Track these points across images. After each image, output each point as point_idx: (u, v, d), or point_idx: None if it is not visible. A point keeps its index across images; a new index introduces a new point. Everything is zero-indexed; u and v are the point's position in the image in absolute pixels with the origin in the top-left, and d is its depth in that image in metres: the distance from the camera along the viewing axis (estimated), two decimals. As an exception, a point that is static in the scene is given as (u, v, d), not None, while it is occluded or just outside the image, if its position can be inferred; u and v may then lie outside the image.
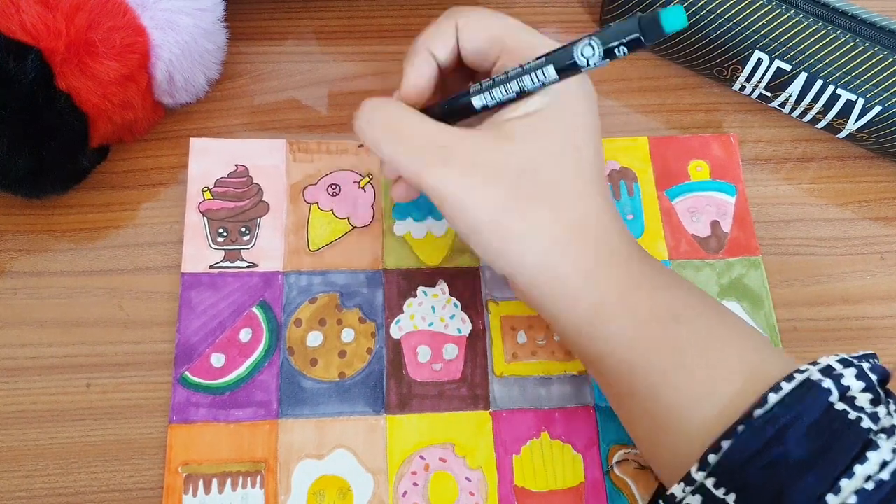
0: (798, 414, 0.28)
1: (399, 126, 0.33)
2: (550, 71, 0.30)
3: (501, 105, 0.33)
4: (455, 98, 0.34)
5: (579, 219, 0.32)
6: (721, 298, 0.41)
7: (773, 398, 0.28)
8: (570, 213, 0.32)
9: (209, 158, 0.42)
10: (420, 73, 0.35)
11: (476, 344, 0.40)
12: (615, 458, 0.38)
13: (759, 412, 0.28)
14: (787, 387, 0.29)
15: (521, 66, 0.31)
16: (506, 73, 0.32)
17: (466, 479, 0.37)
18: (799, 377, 0.29)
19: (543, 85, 0.31)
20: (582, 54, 0.29)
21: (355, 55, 0.46)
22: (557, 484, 0.37)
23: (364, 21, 0.47)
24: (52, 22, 0.35)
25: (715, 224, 0.43)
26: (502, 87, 0.32)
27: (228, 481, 0.36)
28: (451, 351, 0.39)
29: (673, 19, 0.26)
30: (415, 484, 0.37)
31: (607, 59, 0.29)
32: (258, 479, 0.36)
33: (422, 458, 0.37)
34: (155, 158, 0.42)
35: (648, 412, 0.32)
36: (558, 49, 0.30)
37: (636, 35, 0.27)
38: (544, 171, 0.32)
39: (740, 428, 0.28)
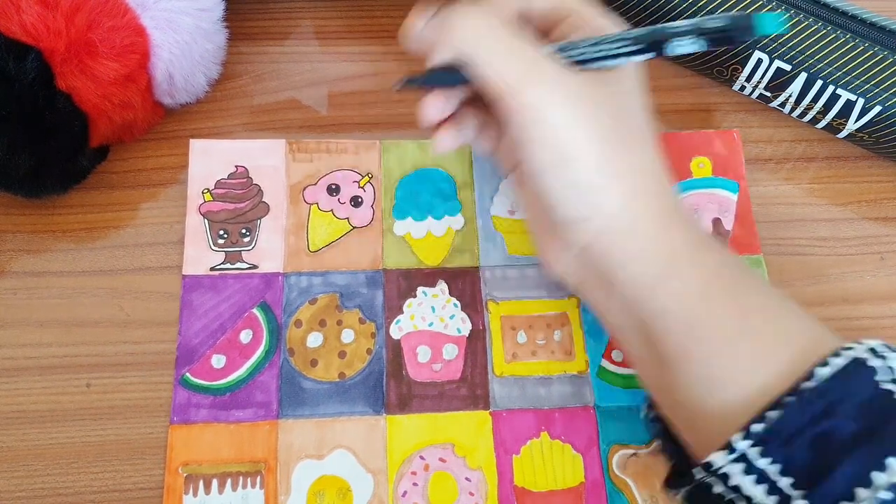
0: (848, 391, 0.28)
1: (509, 32, 0.31)
2: (642, 51, 0.31)
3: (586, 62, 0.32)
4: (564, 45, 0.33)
5: (659, 172, 0.33)
6: (721, 298, 0.41)
7: (822, 372, 0.28)
8: (653, 164, 0.33)
9: (209, 160, 0.42)
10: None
11: (476, 344, 0.40)
12: (615, 459, 0.38)
13: (807, 385, 0.28)
14: (836, 362, 0.28)
15: (616, 36, 0.32)
16: (601, 38, 0.32)
17: (466, 479, 0.37)
18: (846, 354, 0.29)
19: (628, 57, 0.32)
20: (677, 46, 0.30)
21: (355, 55, 0.46)
22: (557, 484, 0.37)
23: (364, 21, 0.47)
24: (52, 22, 0.35)
25: (716, 222, 0.43)
26: (598, 47, 0.32)
27: (228, 481, 0.36)
28: (451, 351, 0.39)
29: (767, 24, 0.27)
30: (415, 484, 0.37)
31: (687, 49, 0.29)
32: (258, 479, 0.36)
33: (422, 458, 0.37)
34: (155, 158, 0.42)
35: (701, 374, 0.31)
36: (651, 31, 0.31)
37: (729, 32, 0.28)
38: (635, 118, 0.33)
39: (789, 399, 0.28)
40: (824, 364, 0.29)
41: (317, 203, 0.42)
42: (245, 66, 0.45)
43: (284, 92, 0.45)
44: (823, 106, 0.43)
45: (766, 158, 0.45)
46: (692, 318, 0.31)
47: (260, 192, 0.42)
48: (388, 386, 0.38)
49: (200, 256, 0.40)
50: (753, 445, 0.29)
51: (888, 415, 0.28)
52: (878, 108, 0.41)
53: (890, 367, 0.29)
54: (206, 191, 0.41)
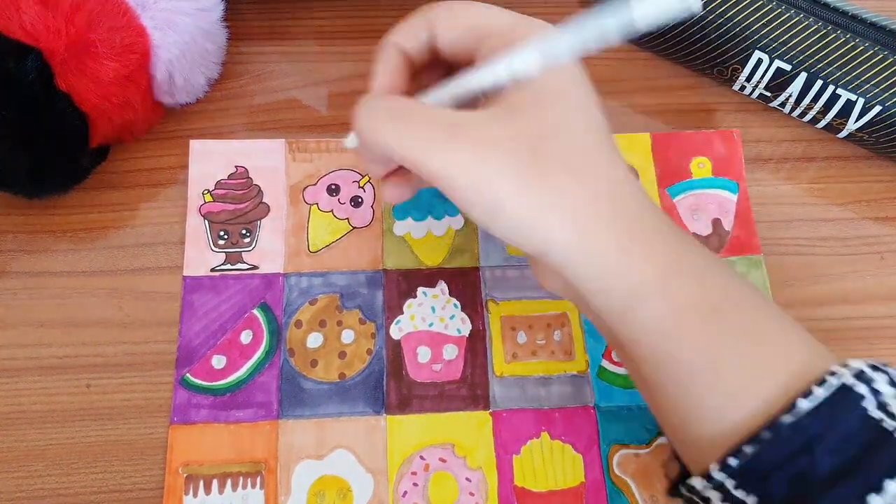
0: (830, 424, 0.27)
1: (402, 109, 0.31)
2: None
3: (496, 87, 0.31)
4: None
5: (607, 188, 0.30)
6: (721, 298, 0.41)
7: (804, 405, 0.27)
8: (595, 181, 0.30)
9: (209, 160, 0.42)
10: (390, 68, 0.33)
11: (476, 344, 0.40)
12: (616, 459, 0.38)
13: (787, 419, 0.27)
14: (819, 393, 0.27)
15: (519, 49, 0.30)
16: (494, 59, 0.31)
17: (466, 479, 0.37)
18: (833, 382, 0.28)
19: (523, 72, 0.30)
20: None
21: (355, 55, 0.46)
22: (557, 484, 0.37)
23: (364, 21, 0.47)
24: (51, 22, 0.35)
25: (716, 222, 0.43)
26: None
27: (229, 482, 0.36)
28: (451, 351, 0.39)
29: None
30: (415, 484, 0.37)
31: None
32: (258, 479, 0.36)
33: (422, 458, 0.37)
34: (155, 158, 0.42)
35: (676, 405, 0.31)
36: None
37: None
38: (561, 139, 0.30)
39: (766, 434, 0.27)
40: (807, 394, 0.28)
41: (317, 203, 0.42)
42: (245, 66, 0.45)
43: (284, 92, 0.45)
44: (823, 106, 0.43)
45: (767, 158, 0.45)
46: (659, 352, 0.30)
47: (260, 192, 0.42)
48: (389, 386, 0.38)
49: (201, 257, 0.40)
50: (729, 477, 0.28)
51: (871, 446, 0.27)
52: (878, 108, 0.41)
53: (876, 391, 0.28)
54: (206, 192, 0.41)
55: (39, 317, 0.39)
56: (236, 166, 0.42)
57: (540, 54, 0.29)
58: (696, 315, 0.29)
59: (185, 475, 0.36)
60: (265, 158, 0.42)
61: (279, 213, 0.41)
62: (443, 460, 0.37)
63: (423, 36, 0.33)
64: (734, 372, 0.29)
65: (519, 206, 0.29)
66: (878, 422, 0.27)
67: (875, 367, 0.29)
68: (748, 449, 0.28)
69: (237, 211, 0.41)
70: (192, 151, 0.42)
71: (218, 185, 0.41)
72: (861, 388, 0.27)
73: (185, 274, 0.40)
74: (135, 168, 0.42)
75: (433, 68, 0.35)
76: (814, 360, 0.29)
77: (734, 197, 0.43)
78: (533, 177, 0.29)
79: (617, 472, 0.37)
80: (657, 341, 0.30)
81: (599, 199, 0.29)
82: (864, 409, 0.27)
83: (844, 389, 0.27)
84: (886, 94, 0.41)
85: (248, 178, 0.42)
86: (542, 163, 0.29)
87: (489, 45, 0.31)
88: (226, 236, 0.40)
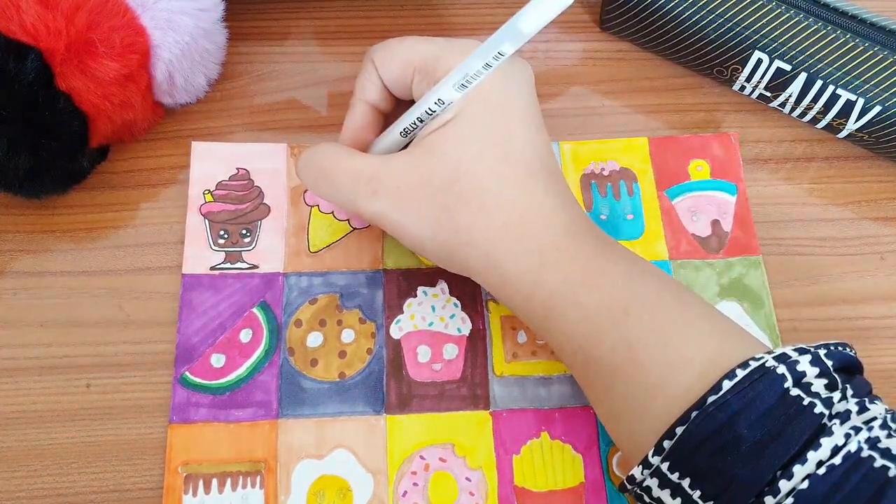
0: (751, 400, 0.28)
1: (330, 167, 0.35)
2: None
3: (420, 125, 0.34)
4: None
5: (517, 217, 0.33)
6: (721, 298, 0.41)
7: (726, 385, 0.29)
8: (504, 213, 0.33)
9: (211, 161, 0.42)
10: (354, 122, 0.37)
11: (476, 344, 0.40)
12: (615, 459, 0.38)
13: (712, 398, 0.29)
14: (741, 373, 0.29)
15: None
16: (423, 96, 0.34)
17: (466, 479, 0.37)
18: (753, 364, 0.29)
19: (444, 103, 0.33)
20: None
21: (355, 55, 0.46)
22: (557, 484, 0.37)
23: (364, 21, 0.47)
24: (51, 22, 0.35)
25: (715, 223, 0.43)
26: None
27: (228, 481, 0.36)
28: (451, 351, 0.39)
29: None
30: (415, 484, 0.37)
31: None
32: (258, 479, 0.36)
33: (422, 458, 0.37)
34: (155, 158, 0.42)
35: (605, 401, 0.33)
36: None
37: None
38: (470, 177, 0.33)
39: (693, 414, 0.29)
40: (731, 376, 0.29)
41: (317, 205, 0.42)
42: (245, 66, 0.45)
43: (284, 92, 0.45)
44: (823, 106, 0.43)
45: (766, 158, 0.45)
46: (581, 355, 0.33)
47: (261, 193, 0.42)
48: (389, 386, 0.38)
49: (200, 255, 0.40)
50: (663, 460, 0.30)
51: (790, 420, 0.28)
52: (878, 108, 0.41)
53: (796, 370, 0.29)
54: (206, 191, 0.41)
55: (39, 317, 0.39)
56: (237, 168, 0.42)
57: (454, 87, 0.31)
58: (607, 318, 0.32)
59: (184, 474, 0.36)
60: (267, 161, 0.42)
61: (280, 214, 0.41)
62: (443, 460, 0.37)
63: (377, 81, 0.36)
64: (653, 364, 0.31)
65: (436, 245, 0.34)
66: (795, 398, 0.28)
67: (803, 350, 0.30)
68: (679, 430, 0.29)
69: (238, 211, 0.41)
70: (194, 153, 0.42)
71: (219, 185, 0.41)
72: (781, 369, 0.29)
73: (184, 272, 0.40)
74: (135, 168, 0.42)
75: (405, 102, 0.37)
76: (728, 346, 0.31)
77: (733, 199, 0.43)
78: (445, 220, 0.33)
79: (617, 472, 0.37)
80: (577, 346, 0.33)
81: (507, 230, 0.33)
82: (783, 387, 0.29)
83: (763, 369, 0.29)
84: (886, 94, 0.41)
85: (250, 179, 0.42)
86: (453, 206, 0.33)
87: (419, 79, 0.35)
88: (226, 235, 0.40)
